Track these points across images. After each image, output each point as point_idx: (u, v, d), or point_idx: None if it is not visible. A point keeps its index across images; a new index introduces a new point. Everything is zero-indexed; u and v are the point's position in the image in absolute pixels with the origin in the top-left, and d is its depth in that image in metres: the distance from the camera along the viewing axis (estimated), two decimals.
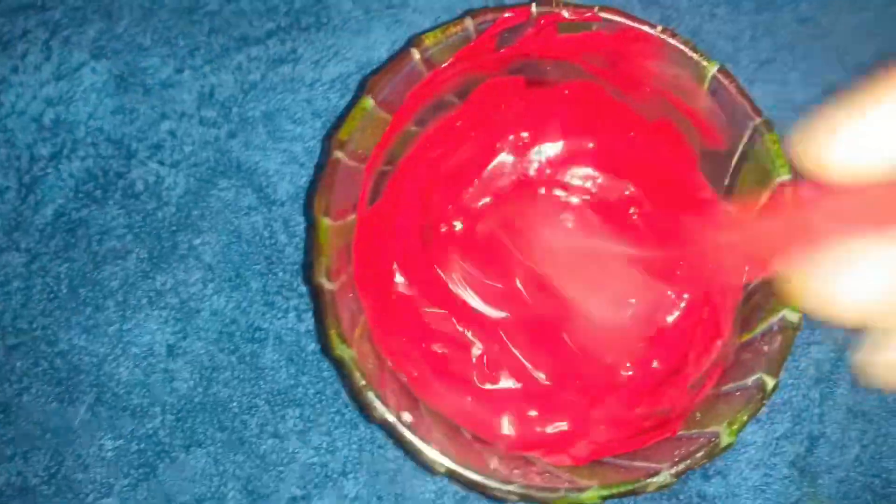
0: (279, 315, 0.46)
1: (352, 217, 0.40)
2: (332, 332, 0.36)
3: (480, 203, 0.47)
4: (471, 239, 0.47)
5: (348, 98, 0.49)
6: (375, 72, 0.40)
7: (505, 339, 0.46)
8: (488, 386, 0.44)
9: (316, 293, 0.37)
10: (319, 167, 0.47)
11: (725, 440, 0.36)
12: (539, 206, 0.47)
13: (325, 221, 0.37)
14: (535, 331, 0.46)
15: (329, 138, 0.46)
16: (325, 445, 0.45)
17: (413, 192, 0.45)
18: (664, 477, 0.36)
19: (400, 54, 0.39)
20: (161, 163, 0.48)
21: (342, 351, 0.36)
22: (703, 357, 0.41)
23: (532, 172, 0.47)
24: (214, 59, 0.49)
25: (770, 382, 0.36)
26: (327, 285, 0.36)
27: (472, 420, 0.42)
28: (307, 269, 0.46)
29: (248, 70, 0.49)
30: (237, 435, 0.45)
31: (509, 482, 0.36)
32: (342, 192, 0.38)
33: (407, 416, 0.37)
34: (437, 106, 0.44)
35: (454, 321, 0.46)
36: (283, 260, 0.47)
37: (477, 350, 0.45)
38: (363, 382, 0.36)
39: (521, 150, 0.47)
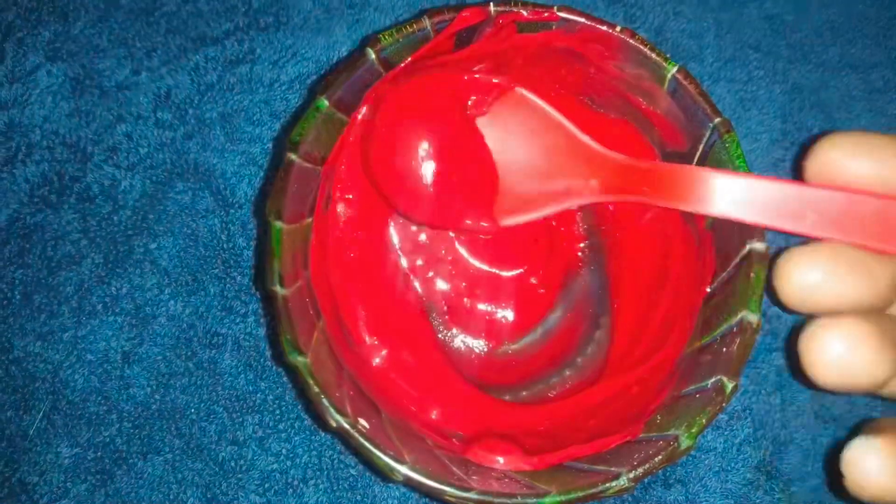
0: (237, 320, 0.46)
1: (308, 220, 0.39)
2: (285, 339, 0.35)
3: None
4: None
5: (307, 97, 0.48)
6: (330, 72, 0.40)
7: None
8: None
9: (268, 299, 0.36)
10: (275, 169, 0.46)
11: (685, 443, 0.36)
12: None
13: (278, 225, 0.36)
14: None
15: (283, 140, 0.46)
16: (284, 452, 0.45)
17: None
18: (623, 481, 0.35)
19: (355, 54, 0.38)
20: (117, 166, 0.47)
21: (294, 358, 0.35)
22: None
23: None
24: (171, 60, 0.48)
25: (729, 385, 0.36)
26: (280, 291, 0.36)
27: (430, 424, 0.41)
28: (259, 274, 0.46)
29: (204, 71, 0.48)
30: (195, 442, 0.44)
31: (467, 489, 0.35)
32: (297, 194, 0.38)
33: (364, 423, 0.36)
34: None
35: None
36: (241, 263, 0.46)
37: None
38: (317, 390, 0.35)
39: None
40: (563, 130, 0.41)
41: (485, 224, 0.44)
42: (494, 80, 0.42)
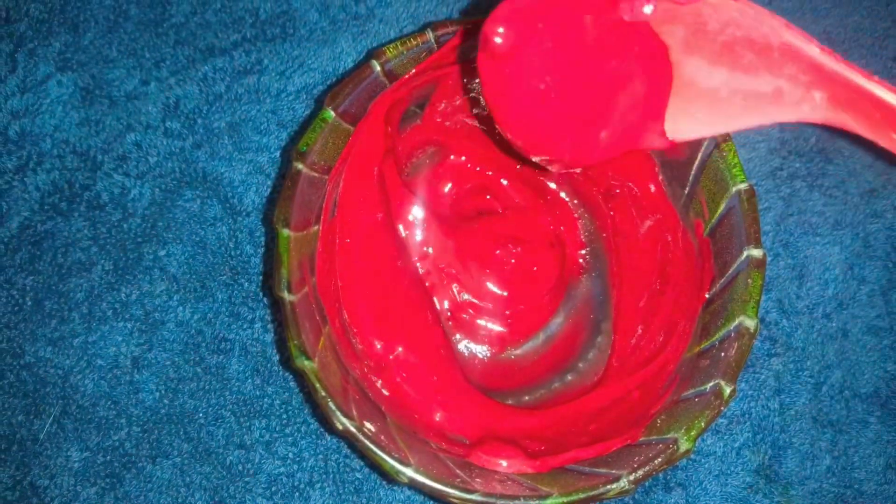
0: (245, 326, 0.46)
1: (315, 228, 0.40)
2: (293, 344, 0.36)
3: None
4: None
5: (314, 108, 0.49)
6: (337, 83, 0.40)
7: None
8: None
9: (276, 305, 0.37)
10: (282, 178, 0.47)
11: (684, 446, 0.36)
12: None
13: (285, 233, 0.37)
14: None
15: (290, 150, 0.47)
16: (291, 456, 0.45)
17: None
18: (623, 483, 0.36)
19: (360, 66, 0.39)
20: (126, 174, 0.48)
21: (302, 363, 0.36)
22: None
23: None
24: (180, 70, 0.49)
25: (727, 389, 0.36)
26: (288, 297, 0.36)
27: (434, 427, 0.42)
28: (268, 281, 0.47)
29: (213, 81, 0.49)
30: (203, 446, 0.45)
31: (471, 491, 0.36)
32: (304, 203, 0.39)
33: (370, 426, 0.37)
34: (403, 117, 0.44)
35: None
36: (248, 270, 0.47)
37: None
38: (323, 393, 0.36)
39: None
40: (779, 35, 0.31)
41: (654, 140, 0.34)
42: None
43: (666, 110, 0.32)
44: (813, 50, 0.30)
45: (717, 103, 0.32)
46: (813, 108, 0.31)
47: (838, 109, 0.30)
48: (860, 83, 0.30)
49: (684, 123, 0.33)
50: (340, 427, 0.36)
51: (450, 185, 0.48)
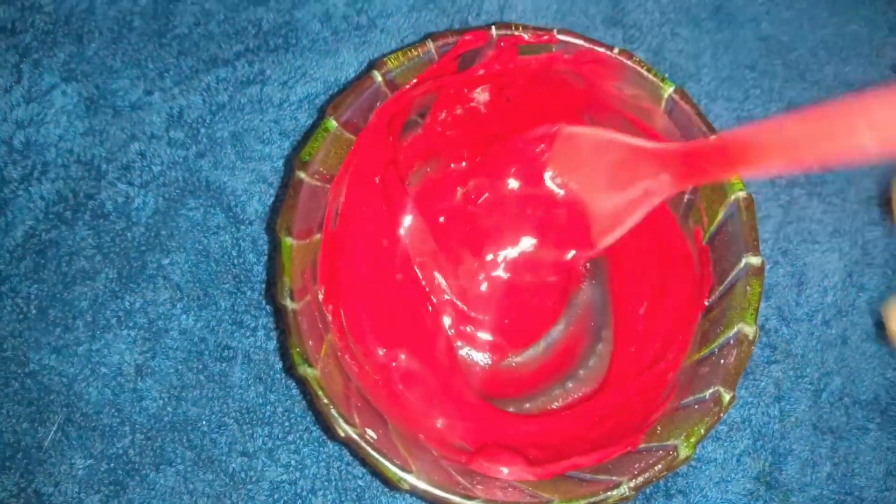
0: (248, 333, 0.47)
1: (317, 236, 0.40)
2: (295, 352, 0.36)
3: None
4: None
5: (316, 118, 0.49)
6: (339, 93, 0.41)
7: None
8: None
9: (279, 313, 0.37)
10: (285, 187, 0.48)
11: (683, 452, 0.37)
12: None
13: (288, 241, 0.37)
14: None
15: (293, 159, 0.47)
16: (293, 463, 0.46)
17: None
18: (624, 490, 0.36)
19: (362, 76, 0.40)
20: (130, 183, 0.48)
21: (305, 370, 0.36)
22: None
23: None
24: (183, 80, 0.49)
25: (727, 395, 0.37)
26: (290, 305, 0.37)
27: (435, 435, 0.42)
28: (270, 289, 0.47)
29: (216, 91, 0.49)
30: (206, 453, 0.45)
31: (472, 498, 0.36)
32: (306, 211, 0.39)
33: (371, 433, 0.37)
34: (404, 126, 0.45)
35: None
36: (251, 279, 0.47)
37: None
38: (326, 401, 0.36)
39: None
40: (618, 143, 0.42)
41: (586, 252, 0.46)
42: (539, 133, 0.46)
43: (591, 236, 0.45)
44: (640, 142, 0.41)
45: (617, 215, 0.43)
46: (668, 185, 0.40)
47: (681, 176, 0.40)
48: (671, 149, 0.40)
49: (603, 237, 0.44)
50: (342, 434, 0.36)
51: (451, 194, 0.48)
